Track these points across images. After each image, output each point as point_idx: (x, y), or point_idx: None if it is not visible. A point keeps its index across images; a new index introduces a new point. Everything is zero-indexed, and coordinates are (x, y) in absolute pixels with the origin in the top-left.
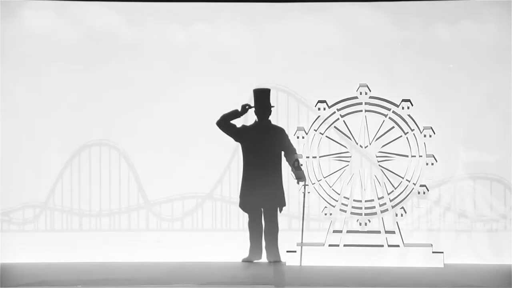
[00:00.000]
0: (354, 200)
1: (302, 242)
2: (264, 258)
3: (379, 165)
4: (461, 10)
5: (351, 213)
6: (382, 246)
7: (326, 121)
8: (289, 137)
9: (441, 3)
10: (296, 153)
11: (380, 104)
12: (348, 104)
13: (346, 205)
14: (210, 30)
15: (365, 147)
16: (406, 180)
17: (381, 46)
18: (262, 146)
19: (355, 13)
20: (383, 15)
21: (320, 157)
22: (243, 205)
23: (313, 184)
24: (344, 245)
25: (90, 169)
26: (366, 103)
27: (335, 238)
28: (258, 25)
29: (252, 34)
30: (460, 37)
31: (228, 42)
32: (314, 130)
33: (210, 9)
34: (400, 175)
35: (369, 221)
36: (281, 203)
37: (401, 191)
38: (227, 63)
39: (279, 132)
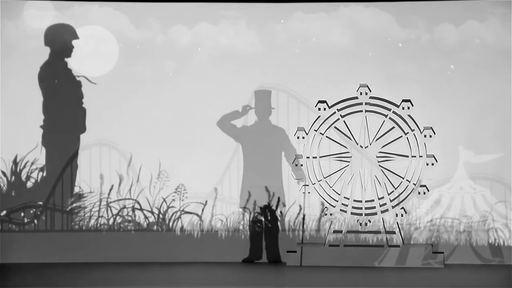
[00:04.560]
0: (354, 200)
1: (302, 242)
2: (264, 258)
3: (379, 165)
4: (465, 10)
5: (352, 213)
6: (382, 246)
7: (326, 121)
8: (289, 137)
9: (445, 4)
10: (296, 153)
11: (381, 104)
12: (348, 104)
13: (347, 205)
14: (214, 31)
15: (365, 147)
16: (406, 180)
17: (383, 47)
18: (262, 146)
19: (359, 13)
20: (388, 16)
21: (320, 157)
22: (243, 205)
23: (313, 184)
24: (344, 245)
25: (90, 169)
26: (366, 103)
27: (335, 238)
28: (262, 26)
29: (255, 34)
30: (464, 37)
31: (232, 42)
32: (315, 130)
33: (214, 10)
34: (400, 175)
35: (370, 221)
36: (281, 203)
37: (402, 191)
38: (229, 64)
39: (279, 132)
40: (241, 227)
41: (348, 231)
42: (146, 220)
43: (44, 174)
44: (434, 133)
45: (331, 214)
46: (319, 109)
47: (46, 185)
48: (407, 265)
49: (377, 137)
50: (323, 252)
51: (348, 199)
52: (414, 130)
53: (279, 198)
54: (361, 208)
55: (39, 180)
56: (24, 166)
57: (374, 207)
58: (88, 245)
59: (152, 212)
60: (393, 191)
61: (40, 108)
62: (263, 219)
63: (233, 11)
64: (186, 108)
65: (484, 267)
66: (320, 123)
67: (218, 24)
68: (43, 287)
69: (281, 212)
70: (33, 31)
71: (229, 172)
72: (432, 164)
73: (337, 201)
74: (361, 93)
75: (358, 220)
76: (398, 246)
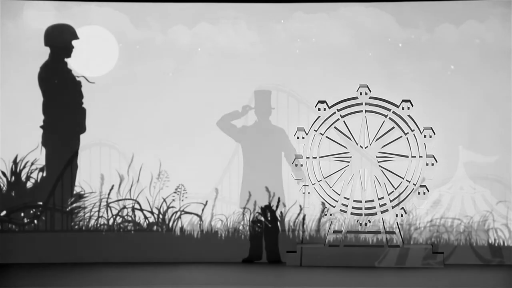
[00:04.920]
0: (354, 201)
1: (302, 242)
2: (264, 258)
3: (379, 166)
4: (465, 10)
5: (351, 213)
6: (382, 246)
7: (326, 121)
8: (289, 137)
9: (445, 4)
10: (296, 153)
11: (380, 104)
12: (348, 104)
13: (346, 206)
14: (214, 31)
15: (365, 148)
16: (406, 180)
17: (383, 47)
18: (262, 146)
19: (359, 13)
20: (388, 16)
21: (320, 157)
22: (243, 205)
23: (313, 184)
24: (344, 245)
25: (90, 169)
26: (366, 104)
27: (335, 238)
28: (262, 26)
29: (255, 34)
30: (464, 37)
31: (232, 42)
32: (314, 130)
33: (214, 10)
34: (400, 175)
35: (370, 221)
36: (282, 203)
37: (402, 191)
38: (229, 64)
39: (279, 133)
40: (241, 227)
41: (348, 231)
42: (146, 220)
43: (44, 174)
44: (434, 133)
45: (331, 214)
46: (319, 109)
47: (46, 185)
48: (407, 265)
49: (377, 137)
50: (323, 252)
51: (348, 199)
52: (414, 130)
53: (279, 199)
54: (361, 208)
55: (39, 180)
56: (24, 166)
57: (374, 207)
58: (88, 245)
59: (152, 212)
60: (393, 191)
61: (40, 108)
62: (263, 219)
63: (233, 11)
64: (186, 108)
65: (484, 267)
66: (320, 123)
67: (218, 24)
68: (43, 287)
69: (281, 212)
70: (33, 31)
71: (229, 172)
72: (432, 164)
73: (337, 201)
74: (361, 93)
75: (358, 220)
76: (398, 246)
